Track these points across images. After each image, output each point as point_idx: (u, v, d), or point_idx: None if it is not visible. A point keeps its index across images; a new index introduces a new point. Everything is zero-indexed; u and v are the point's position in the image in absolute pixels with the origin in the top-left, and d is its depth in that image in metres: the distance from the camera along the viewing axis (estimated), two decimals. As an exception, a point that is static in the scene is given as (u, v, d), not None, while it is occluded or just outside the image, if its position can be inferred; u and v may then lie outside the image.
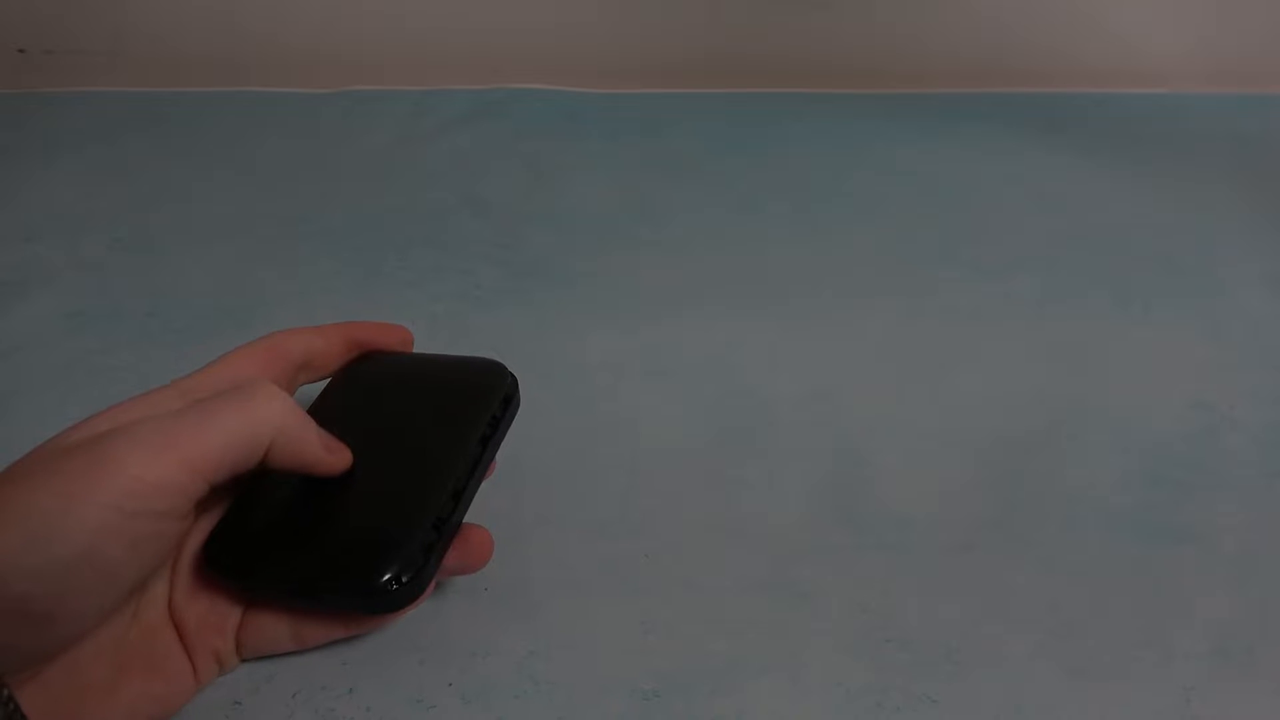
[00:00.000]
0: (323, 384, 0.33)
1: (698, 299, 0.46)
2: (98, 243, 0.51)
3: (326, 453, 0.28)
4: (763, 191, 0.55)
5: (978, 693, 0.29)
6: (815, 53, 0.69)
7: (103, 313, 0.46)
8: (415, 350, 0.35)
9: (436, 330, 0.44)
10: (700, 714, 0.28)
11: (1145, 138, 0.61)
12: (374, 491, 0.29)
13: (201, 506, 0.25)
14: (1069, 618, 0.31)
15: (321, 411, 0.32)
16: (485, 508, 0.30)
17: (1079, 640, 0.30)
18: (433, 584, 0.29)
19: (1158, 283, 0.47)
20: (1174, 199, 0.54)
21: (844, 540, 0.34)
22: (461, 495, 0.29)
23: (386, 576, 0.26)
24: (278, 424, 0.26)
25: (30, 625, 0.23)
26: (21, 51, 0.70)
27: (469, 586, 0.32)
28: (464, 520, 0.29)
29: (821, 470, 0.37)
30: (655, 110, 0.65)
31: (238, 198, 0.55)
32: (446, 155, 0.60)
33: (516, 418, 0.33)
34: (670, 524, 0.34)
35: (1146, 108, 0.65)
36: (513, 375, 0.33)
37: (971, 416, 0.39)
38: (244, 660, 0.29)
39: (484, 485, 0.31)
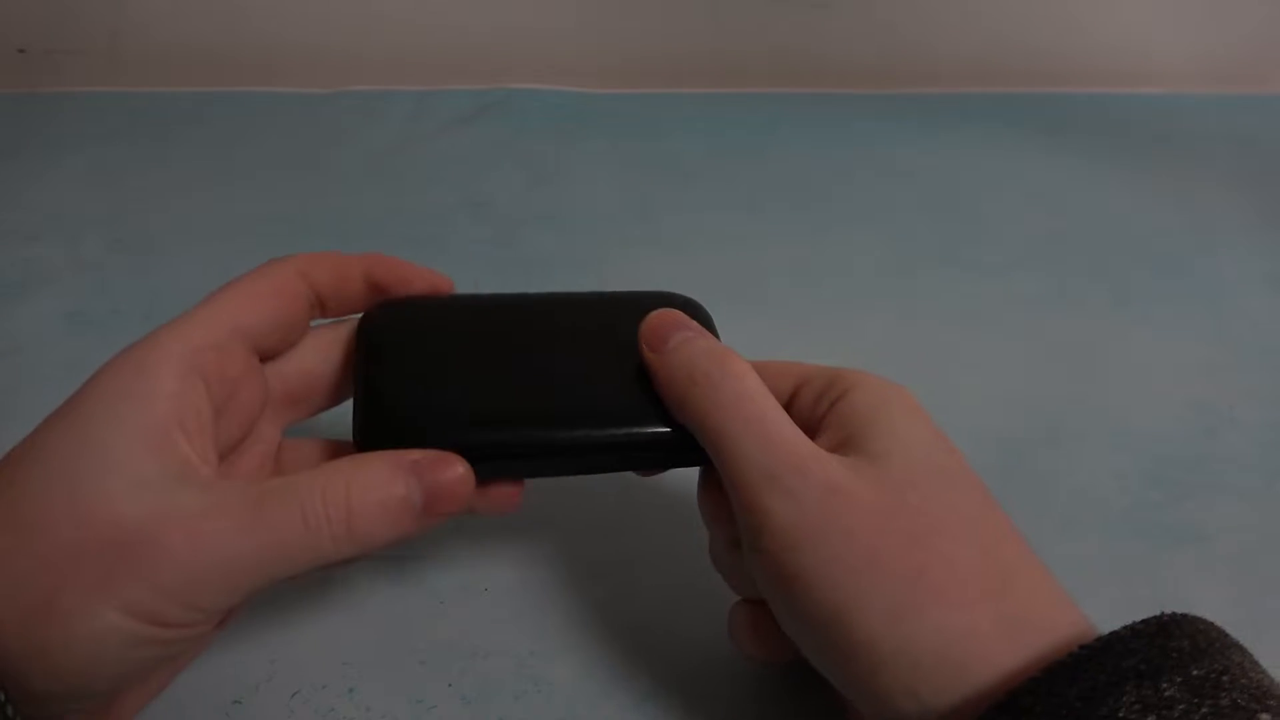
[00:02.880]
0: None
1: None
2: (98, 243, 0.51)
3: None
4: (763, 191, 0.55)
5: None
6: (815, 53, 0.69)
7: (103, 313, 0.46)
8: None
9: (436, 330, 0.44)
10: (700, 714, 0.28)
11: (1145, 138, 0.61)
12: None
13: None
14: (1069, 618, 0.31)
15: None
16: (485, 508, 0.30)
17: (1079, 640, 0.30)
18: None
19: (1158, 283, 0.47)
20: (1174, 199, 0.54)
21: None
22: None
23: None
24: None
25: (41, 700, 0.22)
26: (21, 51, 0.70)
27: (469, 586, 0.32)
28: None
29: (821, 470, 0.37)
30: (655, 110, 0.65)
31: (237, 198, 0.55)
32: (446, 155, 0.59)
33: None
34: (670, 524, 0.35)
35: (1146, 108, 0.65)
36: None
37: (970, 416, 0.39)
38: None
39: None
